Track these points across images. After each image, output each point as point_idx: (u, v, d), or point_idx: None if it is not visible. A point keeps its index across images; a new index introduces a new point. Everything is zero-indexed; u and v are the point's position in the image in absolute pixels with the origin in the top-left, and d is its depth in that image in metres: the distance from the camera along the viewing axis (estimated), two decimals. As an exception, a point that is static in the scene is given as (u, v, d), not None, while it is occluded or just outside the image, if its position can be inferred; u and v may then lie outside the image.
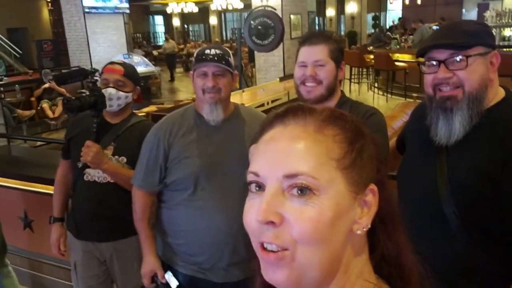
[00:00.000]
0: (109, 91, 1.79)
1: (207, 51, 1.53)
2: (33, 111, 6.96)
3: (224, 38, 21.40)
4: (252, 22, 5.61)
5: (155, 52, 15.86)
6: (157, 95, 9.66)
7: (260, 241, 0.51)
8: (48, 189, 2.31)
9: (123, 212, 1.72)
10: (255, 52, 7.77)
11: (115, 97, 1.80)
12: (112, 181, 1.81)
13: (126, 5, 8.40)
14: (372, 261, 0.54)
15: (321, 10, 18.03)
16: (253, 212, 0.51)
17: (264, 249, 0.50)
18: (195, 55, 1.57)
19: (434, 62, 1.14)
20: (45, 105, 6.95)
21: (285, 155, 0.51)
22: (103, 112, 1.82)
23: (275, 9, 5.85)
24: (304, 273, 0.49)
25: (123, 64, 1.91)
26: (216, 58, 1.51)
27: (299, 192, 0.49)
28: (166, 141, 1.56)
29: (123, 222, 1.74)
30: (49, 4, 11.99)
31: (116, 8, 8.13)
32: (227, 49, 1.62)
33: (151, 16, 22.84)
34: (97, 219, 1.84)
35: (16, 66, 10.78)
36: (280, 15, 6.65)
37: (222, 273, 1.56)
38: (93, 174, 1.83)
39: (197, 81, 1.54)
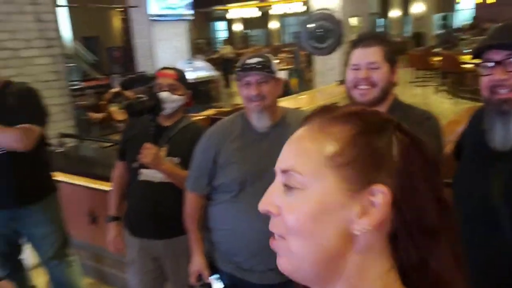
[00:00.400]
0: (164, 95, 1.88)
1: (248, 61, 1.56)
2: (103, 114, 7.43)
3: (284, 42, 21.44)
4: (310, 25, 5.58)
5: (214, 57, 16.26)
6: (217, 99, 9.89)
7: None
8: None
9: (176, 211, 1.78)
10: (314, 56, 7.71)
11: (169, 100, 1.89)
12: (165, 181, 1.89)
13: (190, 12, 8.70)
14: (399, 269, 0.52)
15: (384, 11, 17.50)
16: None
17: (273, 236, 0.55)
18: (237, 65, 1.60)
19: (490, 64, 1.08)
20: (113, 108, 7.38)
21: (287, 152, 0.55)
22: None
23: (333, 11, 5.78)
24: (299, 264, 0.52)
25: (175, 68, 2.00)
26: (258, 67, 1.53)
27: (288, 186, 0.52)
28: (216, 147, 1.61)
29: (177, 221, 1.79)
30: (120, 13, 12.73)
31: (181, 15, 8.45)
32: (268, 55, 1.65)
33: (213, 23, 23.45)
34: (151, 218, 1.92)
35: (91, 72, 11.61)
36: (339, 18, 6.56)
37: (260, 275, 1.57)
38: (148, 174, 1.91)
39: (242, 91, 1.58)
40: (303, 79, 8.07)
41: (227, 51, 14.13)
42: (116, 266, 2.81)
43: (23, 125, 2.04)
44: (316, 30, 5.63)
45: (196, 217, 1.71)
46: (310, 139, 0.53)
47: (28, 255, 2.50)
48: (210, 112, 5.63)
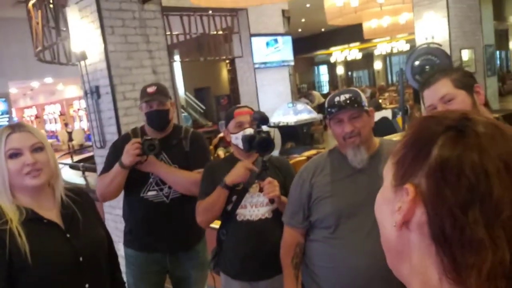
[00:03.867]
0: (248, 131, 1.90)
1: (337, 98, 1.54)
2: (211, 157, 7.88)
3: (390, 82, 20.88)
4: (415, 61, 5.34)
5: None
6: (319, 141, 9.87)
7: None
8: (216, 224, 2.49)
9: (279, 247, 1.75)
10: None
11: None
12: (263, 217, 1.89)
13: (291, 58, 9.00)
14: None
15: (502, 43, 16.14)
16: None
17: None
18: (326, 105, 1.59)
19: None
20: (220, 152, 7.78)
21: None
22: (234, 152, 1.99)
23: (440, 45, 5.48)
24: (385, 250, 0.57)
25: (248, 106, 2.05)
26: (348, 102, 1.51)
27: None
28: (309, 182, 1.60)
29: (278, 259, 1.76)
30: (228, 64, 13.69)
31: (283, 61, 8.78)
32: (356, 89, 1.63)
33: (316, 67, 23.91)
34: (255, 257, 1.90)
35: (200, 120, 12.56)
36: (448, 51, 6.18)
37: None
38: (245, 213, 1.92)
39: (335, 129, 1.56)
40: (409, 117, 7.68)
41: (316, 97, 14.01)
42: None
43: (201, 169, 2.08)
44: (422, 65, 5.36)
45: (291, 252, 1.68)
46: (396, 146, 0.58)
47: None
48: (311, 152, 5.64)
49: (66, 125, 17.92)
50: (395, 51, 17.03)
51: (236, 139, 1.93)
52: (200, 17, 6.91)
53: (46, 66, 6.73)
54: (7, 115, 11.43)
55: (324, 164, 1.62)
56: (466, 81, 1.35)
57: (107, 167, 2.19)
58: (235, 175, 1.85)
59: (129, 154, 2.04)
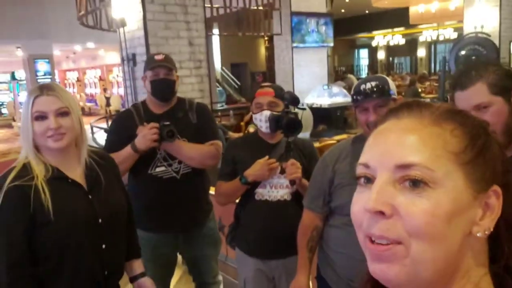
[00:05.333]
0: (265, 114, 1.87)
1: (363, 86, 1.49)
2: (241, 134, 7.91)
3: (433, 71, 20.12)
4: (460, 50, 5.11)
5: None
6: (352, 125, 9.69)
7: (368, 233, 0.48)
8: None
9: (294, 229, 1.75)
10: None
11: None
12: (282, 199, 1.89)
13: (331, 39, 8.80)
14: (492, 274, 0.48)
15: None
16: (362, 203, 0.49)
17: (372, 242, 0.48)
18: (352, 91, 1.55)
19: None
20: (251, 129, 7.78)
21: (398, 145, 0.48)
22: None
23: (489, 35, 5.20)
24: (416, 271, 0.46)
25: (272, 85, 1.97)
26: (374, 90, 1.46)
27: (411, 184, 0.46)
28: (332, 167, 1.59)
29: (294, 240, 1.76)
30: (266, 41, 13.55)
31: (322, 42, 8.60)
32: (384, 77, 1.56)
33: (356, 50, 23.31)
34: (270, 237, 1.91)
35: (234, 95, 12.59)
36: (497, 43, 5.87)
37: None
38: (264, 194, 1.91)
39: (360, 117, 1.52)
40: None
41: (351, 80, 13.70)
42: (222, 269, 2.83)
43: (212, 141, 2.06)
44: (468, 55, 5.12)
45: (307, 235, 1.69)
46: (428, 133, 0.48)
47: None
48: (342, 137, 5.57)
49: (104, 90, 18.37)
50: (441, 38, 16.31)
51: (255, 119, 1.91)
52: (241, -9, 6.83)
53: (89, 31, 6.88)
54: (50, 76, 11.82)
55: (348, 150, 1.59)
56: (505, 85, 1.19)
57: (111, 146, 2.06)
58: (256, 174, 1.84)
59: (146, 139, 1.95)
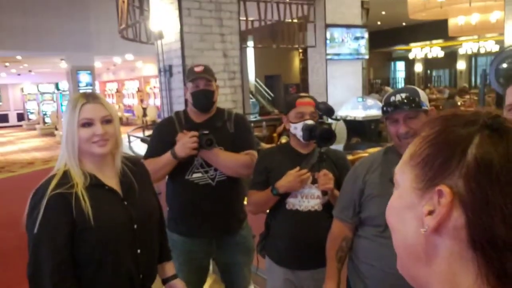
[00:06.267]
0: (309, 123, 1.88)
1: (393, 98, 1.49)
2: (274, 145, 7.93)
3: (473, 84, 19.50)
4: (501, 63, 4.94)
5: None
6: (386, 139, 9.51)
7: None
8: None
9: (325, 240, 1.74)
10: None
11: None
12: (313, 209, 1.89)
13: (366, 51, 8.72)
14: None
15: None
16: None
17: None
18: (382, 103, 1.54)
19: None
20: (283, 140, 7.80)
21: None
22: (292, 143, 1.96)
23: (533, 47, 5.01)
24: (399, 259, 0.56)
25: (311, 96, 1.99)
26: (404, 102, 1.45)
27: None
28: (363, 178, 1.58)
29: (324, 250, 1.75)
30: (300, 54, 13.59)
31: (356, 54, 8.53)
32: (414, 87, 1.55)
33: (392, 62, 22.94)
34: (300, 247, 1.91)
35: (267, 106, 12.65)
36: (542, 55, 5.62)
37: None
38: (295, 203, 1.91)
39: (391, 129, 1.51)
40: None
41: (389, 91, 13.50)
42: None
43: (248, 151, 2.11)
44: (509, 68, 4.94)
45: (336, 244, 1.68)
46: (414, 143, 0.55)
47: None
48: (375, 150, 5.47)
49: (141, 101, 18.92)
50: (482, 51, 15.82)
51: (295, 129, 1.91)
52: (276, 4, 6.90)
53: (128, 43, 7.13)
54: (91, 87, 12.30)
55: (380, 161, 1.58)
56: None
57: (152, 151, 2.16)
58: (287, 185, 1.85)
59: (185, 147, 2.02)
